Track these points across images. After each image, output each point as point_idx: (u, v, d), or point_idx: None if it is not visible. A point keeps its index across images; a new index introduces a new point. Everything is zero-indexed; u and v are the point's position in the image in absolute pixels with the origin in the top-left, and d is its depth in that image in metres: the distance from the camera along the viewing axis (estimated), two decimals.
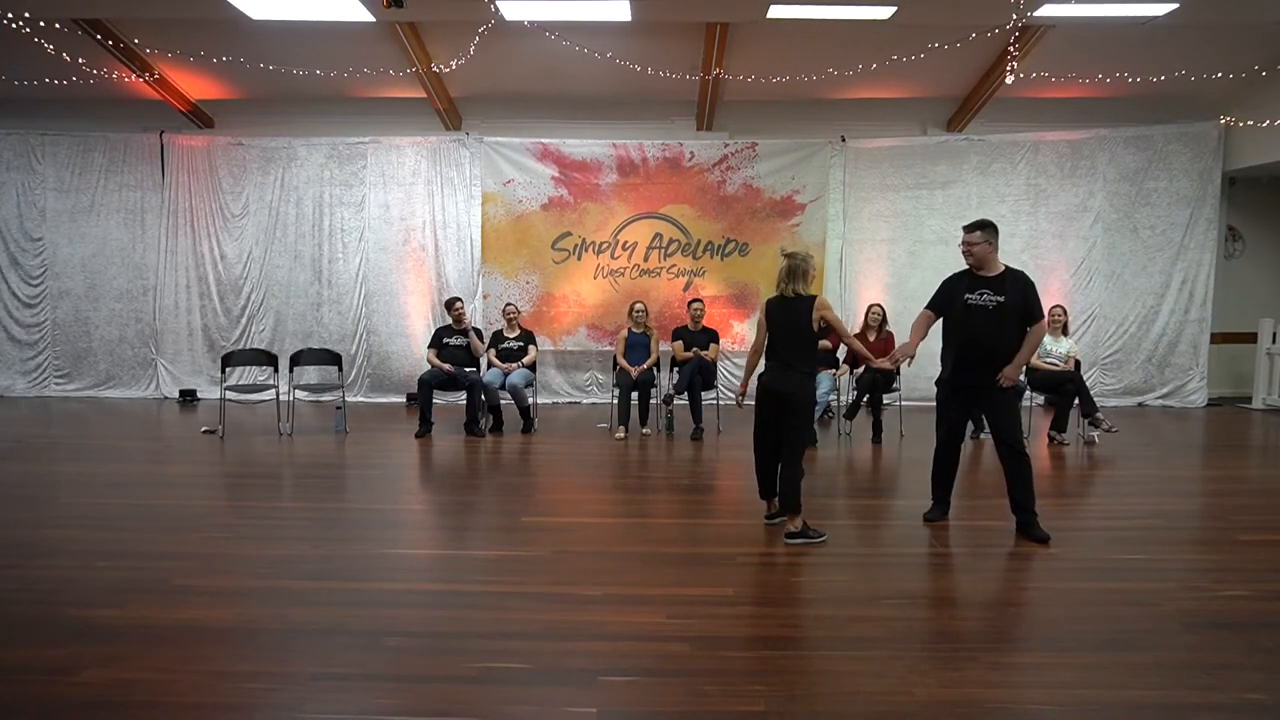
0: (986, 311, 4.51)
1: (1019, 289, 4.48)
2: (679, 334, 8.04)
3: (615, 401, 7.77)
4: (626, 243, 9.46)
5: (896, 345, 7.72)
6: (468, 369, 7.67)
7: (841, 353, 7.79)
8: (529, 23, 7.56)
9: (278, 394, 7.70)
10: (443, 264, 9.56)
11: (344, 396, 8.04)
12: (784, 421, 4.50)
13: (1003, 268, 4.58)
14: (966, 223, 4.66)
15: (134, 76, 8.61)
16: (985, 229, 4.52)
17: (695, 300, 8.17)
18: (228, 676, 2.88)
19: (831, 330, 4.58)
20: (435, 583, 3.87)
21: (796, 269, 4.51)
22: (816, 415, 7.22)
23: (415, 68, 8.41)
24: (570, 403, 9.63)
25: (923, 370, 9.55)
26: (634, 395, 7.59)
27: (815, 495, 5.75)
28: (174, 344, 9.73)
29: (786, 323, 4.51)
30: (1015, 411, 4.69)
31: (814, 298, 4.49)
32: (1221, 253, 9.64)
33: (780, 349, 4.54)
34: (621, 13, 7.32)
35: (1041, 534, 4.45)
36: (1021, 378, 7.25)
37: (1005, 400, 4.57)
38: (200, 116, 9.65)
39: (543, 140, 9.34)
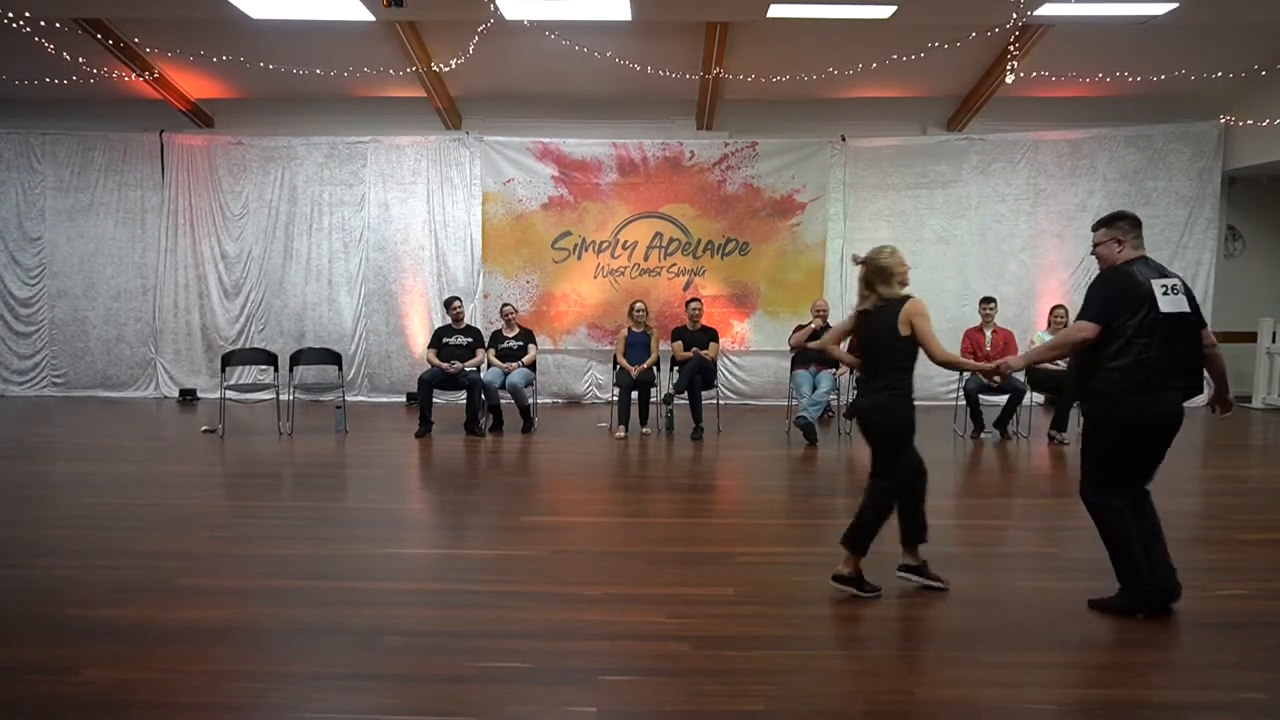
0: None
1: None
2: (678, 333, 8.03)
3: (615, 401, 7.77)
4: (626, 242, 9.45)
5: None
6: (467, 369, 7.67)
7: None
8: (529, 22, 7.56)
9: (278, 394, 7.70)
10: (443, 264, 9.55)
11: (344, 396, 8.04)
12: None
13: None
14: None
15: (134, 76, 8.60)
16: (1110, 225, 3.60)
17: (693, 300, 8.17)
18: (228, 676, 2.88)
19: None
20: (435, 583, 3.87)
21: None
22: (816, 415, 7.22)
23: (415, 67, 8.40)
24: (570, 402, 9.63)
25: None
26: (634, 395, 7.59)
27: (816, 495, 5.77)
28: (173, 343, 9.72)
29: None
30: (1093, 459, 3.64)
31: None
32: (1221, 252, 9.63)
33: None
34: (621, 12, 7.31)
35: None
36: (1022, 377, 7.33)
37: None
38: (200, 116, 9.65)
39: (543, 140, 9.33)
